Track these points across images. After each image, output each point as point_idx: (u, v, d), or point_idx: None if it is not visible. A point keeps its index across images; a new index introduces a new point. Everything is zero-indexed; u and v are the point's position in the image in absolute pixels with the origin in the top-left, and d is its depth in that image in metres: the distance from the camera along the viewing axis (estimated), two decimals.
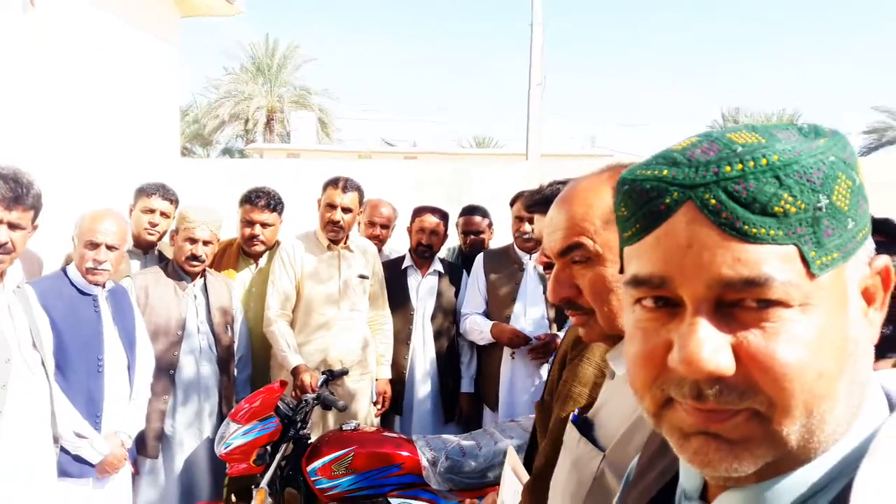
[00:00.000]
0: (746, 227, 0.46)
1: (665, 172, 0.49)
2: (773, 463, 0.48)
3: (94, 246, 2.45)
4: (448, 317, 3.45)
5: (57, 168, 3.76)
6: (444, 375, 3.41)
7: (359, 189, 3.23)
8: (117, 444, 2.45)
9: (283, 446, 2.62)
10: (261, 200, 3.21)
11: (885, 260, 0.51)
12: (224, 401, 2.93)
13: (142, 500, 2.75)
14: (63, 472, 2.28)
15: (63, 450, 2.30)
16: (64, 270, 2.52)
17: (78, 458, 2.34)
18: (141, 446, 2.71)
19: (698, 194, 0.47)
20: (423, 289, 3.47)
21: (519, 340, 3.15)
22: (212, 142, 30.29)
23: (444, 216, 3.54)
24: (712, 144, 0.49)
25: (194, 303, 2.92)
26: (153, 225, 3.12)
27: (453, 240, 3.90)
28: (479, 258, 3.43)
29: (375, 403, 3.30)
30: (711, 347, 0.46)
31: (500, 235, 3.93)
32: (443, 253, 3.70)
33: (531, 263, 3.31)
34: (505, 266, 3.35)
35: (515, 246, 3.35)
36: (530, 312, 3.25)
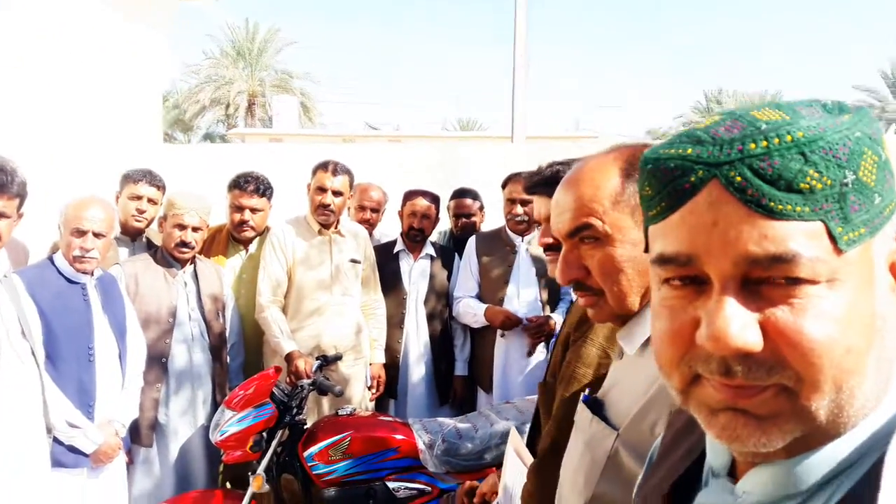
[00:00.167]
0: (772, 203, 0.46)
1: (689, 151, 0.49)
2: (802, 438, 0.48)
3: (81, 233, 2.40)
4: (441, 300, 3.44)
5: (39, 155, 3.68)
6: (438, 359, 3.41)
7: (349, 172, 3.19)
8: (111, 433, 2.42)
9: (280, 432, 2.60)
10: (250, 185, 3.16)
11: None
12: (217, 388, 2.91)
13: (136, 490, 2.73)
14: (57, 463, 2.26)
15: (56, 440, 2.28)
16: (51, 259, 2.47)
17: (72, 449, 2.32)
18: (135, 435, 2.69)
19: (723, 172, 0.47)
20: (416, 272, 3.46)
21: (511, 323, 3.15)
22: (193, 127, 29.92)
23: (435, 199, 3.52)
24: (736, 122, 0.49)
25: (185, 290, 2.89)
26: (141, 212, 3.07)
27: (444, 223, 3.88)
28: (472, 241, 3.42)
29: (370, 388, 3.30)
30: (739, 324, 0.46)
31: (490, 218, 3.93)
32: (434, 237, 3.68)
33: (523, 246, 3.30)
34: (497, 249, 3.34)
35: (507, 228, 3.34)
36: (523, 294, 3.25)
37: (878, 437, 0.49)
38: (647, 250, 0.56)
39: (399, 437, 2.64)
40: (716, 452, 0.59)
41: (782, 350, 0.46)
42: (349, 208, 3.61)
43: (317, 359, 2.93)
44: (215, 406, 2.85)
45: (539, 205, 1.62)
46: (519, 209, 3.23)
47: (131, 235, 3.14)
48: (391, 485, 2.59)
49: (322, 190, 3.11)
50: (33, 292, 2.32)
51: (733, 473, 0.57)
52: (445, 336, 3.44)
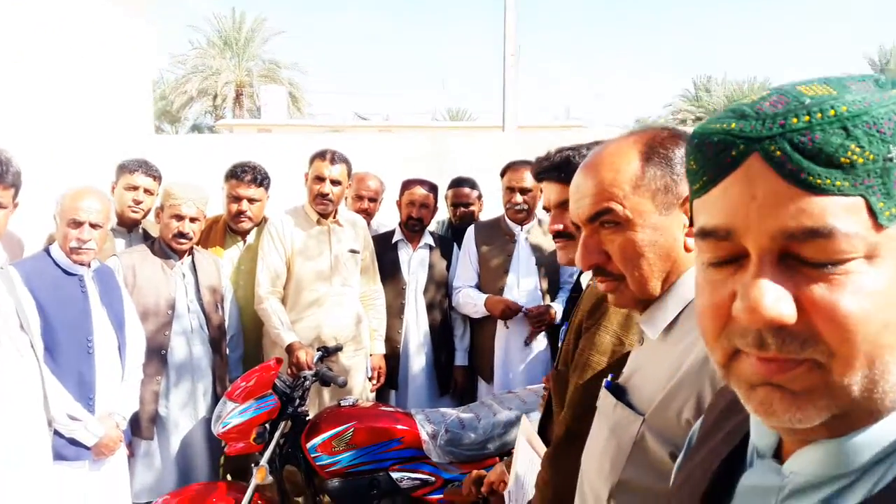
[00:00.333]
0: (811, 178, 0.46)
1: (733, 125, 0.50)
2: (845, 417, 0.48)
3: (77, 224, 2.37)
4: (440, 290, 3.43)
5: (32, 146, 3.62)
6: (438, 349, 3.40)
7: (347, 161, 3.17)
8: (112, 425, 2.40)
9: (282, 424, 2.59)
10: (247, 175, 3.12)
11: None
12: (217, 381, 2.89)
13: (138, 483, 2.71)
14: (58, 456, 2.23)
15: (57, 433, 2.25)
16: (47, 251, 2.44)
17: (73, 441, 2.30)
18: (135, 428, 2.67)
19: (764, 146, 0.47)
20: (415, 262, 3.44)
21: (512, 312, 3.15)
22: (180, 118, 29.63)
23: (433, 188, 3.50)
24: (781, 97, 0.49)
25: (183, 281, 2.86)
26: (137, 202, 3.03)
27: (442, 213, 3.86)
28: (470, 230, 3.41)
29: (370, 379, 3.28)
30: (773, 296, 0.46)
31: (485, 207, 3.91)
32: (432, 227, 3.66)
33: (522, 235, 3.29)
34: (496, 238, 3.33)
35: (506, 217, 3.33)
36: (523, 284, 3.25)
37: None
38: (692, 225, 0.56)
39: (402, 427, 2.63)
40: (761, 433, 0.58)
41: (816, 324, 0.46)
42: (346, 198, 3.58)
43: (318, 350, 2.91)
44: (216, 398, 2.83)
45: (548, 191, 1.61)
46: (518, 198, 3.22)
47: (127, 226, 3.10)
48: (395, 475, 2.58)
49: (320, 179, 3.08)
50: (30, 284, 2.29)
51: (778, 456, 0.56)
52: (445, 326, 3.42)
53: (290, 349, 2.94)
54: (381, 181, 3.74)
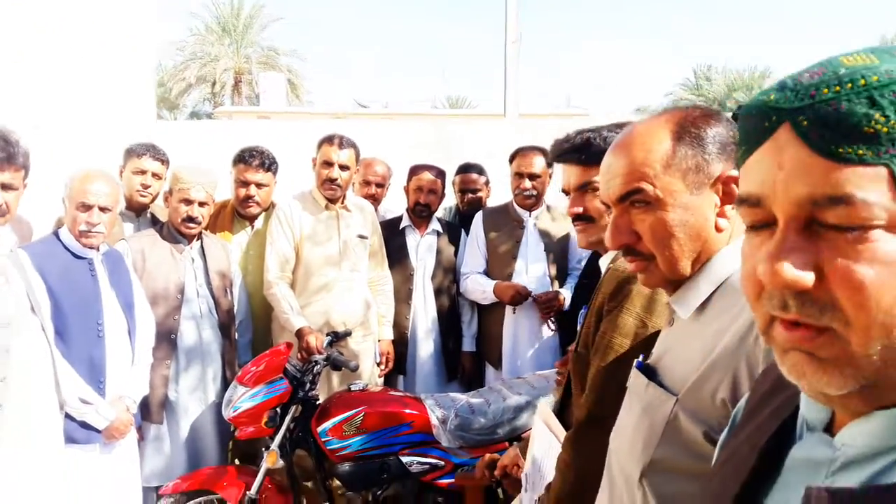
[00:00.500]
0: (834, 148, 0.46)
1: (772, 97, 0.51)
2: (883, 390, 0.48)
3: (87, 208, 2.36)
4: (448, 275, 3.42)
5: (39, 130, 3.60)
6: (446, 334, 3.39)
7: (354, 146, 3.15)
8: (122, 409, 2.40)
9: (293, 408, 2.59)
10: (255, 160, 3.10)
11: None
12: (227, 365, 2.88)
13: (147, 467, 2.71)
14: (69, 439, 2.23)
15: (68, 416, 2.25)
16: (56, 234, 2.43)
17: (84, 425, 2.30)
18: (145, 412, 2.66)
19: (794, 117, 0.49)
20: (423, 248, 3.43)
21: (521, 298, 3.14)
22: (179, 105, 29.49)
23: (441, 174, 3.48)
24: (822, 68, 0.50)
25: (192, 266, 2.85)
26: (145, 186, 3.02)
27: (450, 199, 3.84)
28: (478, 216, 3.39)
29: (379, 364, 3.28)
30: (791, 261, 0.48)
31: (492, 194, 3.89)
32: (440, 212, 3.65)
33: (531, 221, 3.28)
34: (504, 224, 3.32)
35: (515, 203, 3.32)
36: (532, 270, 3.24)
37: None
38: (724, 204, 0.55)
39: (412, 412, 2.63)
40: (812, 407, 0.58)
41: (835, 290, 0.47)
42: (354, 183, 3.57)
43: (327, 335, 2.91)
44: (225, 383, 2.83)
45: (568, 173, 1.59)
46: (527, 183, 3.21)
47: (136, 211, 3.09)
48: (405, 459, 2.59)
49: (328, 164, 3.06)
50: (40, 267, 2.28)
51: (829, 430, 0.56)
52: (453, 312, 3.42)
53: (299, 334, 2.93)
54: (388, 166, 3.72)
